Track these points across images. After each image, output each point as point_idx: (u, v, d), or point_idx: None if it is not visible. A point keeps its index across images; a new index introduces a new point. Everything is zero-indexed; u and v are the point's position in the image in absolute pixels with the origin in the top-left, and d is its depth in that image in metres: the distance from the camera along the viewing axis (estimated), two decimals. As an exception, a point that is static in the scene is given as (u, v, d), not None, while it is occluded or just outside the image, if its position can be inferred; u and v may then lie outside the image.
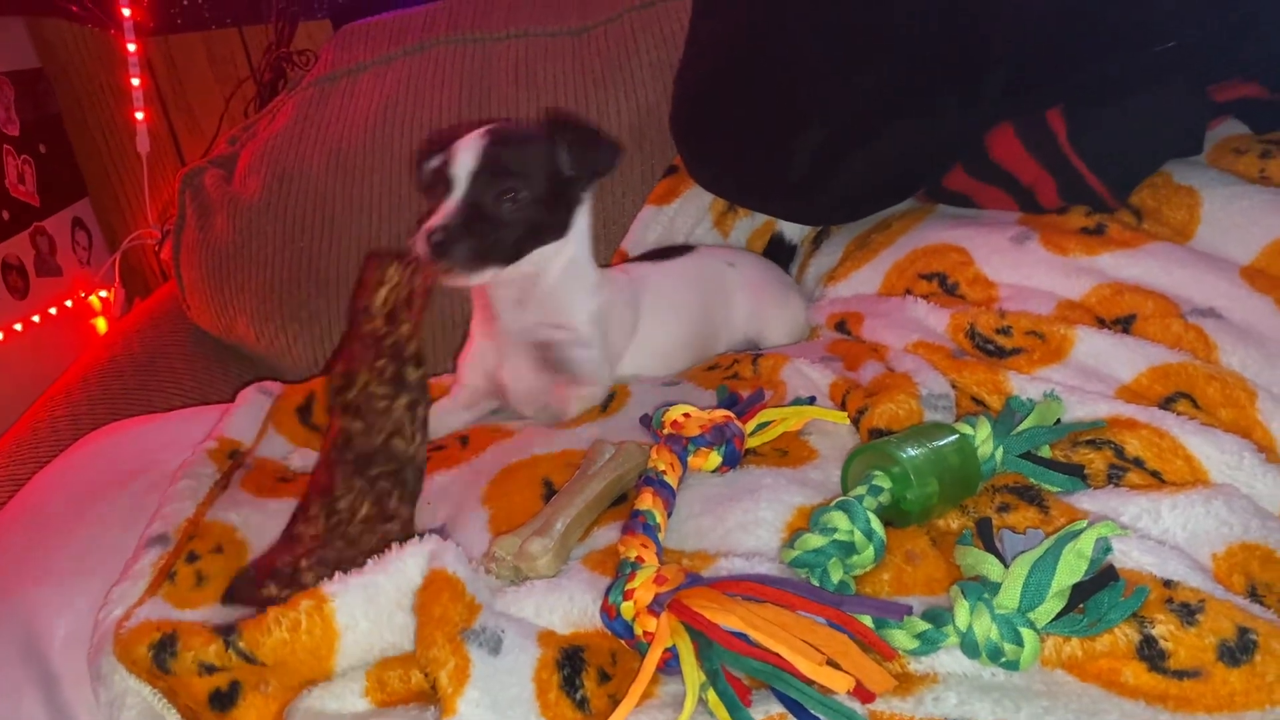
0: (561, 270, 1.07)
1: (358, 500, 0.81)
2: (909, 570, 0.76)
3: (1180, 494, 0.77)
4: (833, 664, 0.62)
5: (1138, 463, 0.84)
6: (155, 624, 0.72)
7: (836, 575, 0.72)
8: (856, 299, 1.25)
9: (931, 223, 1.28)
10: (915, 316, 1.13)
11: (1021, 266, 1.13)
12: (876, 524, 0.75)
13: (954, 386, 0.98)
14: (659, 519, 0.80)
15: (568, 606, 0.73)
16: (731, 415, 0.92)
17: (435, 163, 1.04)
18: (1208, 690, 0.63)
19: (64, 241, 2.03)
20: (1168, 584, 0.69)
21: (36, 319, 1.91)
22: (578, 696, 0.67)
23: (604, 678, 0.69)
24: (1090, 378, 0.96)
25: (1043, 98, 1.19)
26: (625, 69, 1.48)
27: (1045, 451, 0.87)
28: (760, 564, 0.76)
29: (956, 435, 0.82)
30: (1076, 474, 0.84)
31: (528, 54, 1.51)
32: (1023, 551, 0.69)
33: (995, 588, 0.67)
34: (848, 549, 0.74)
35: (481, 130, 1.04)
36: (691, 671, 0.64)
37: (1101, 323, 1.04)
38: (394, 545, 0.73)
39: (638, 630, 0.68)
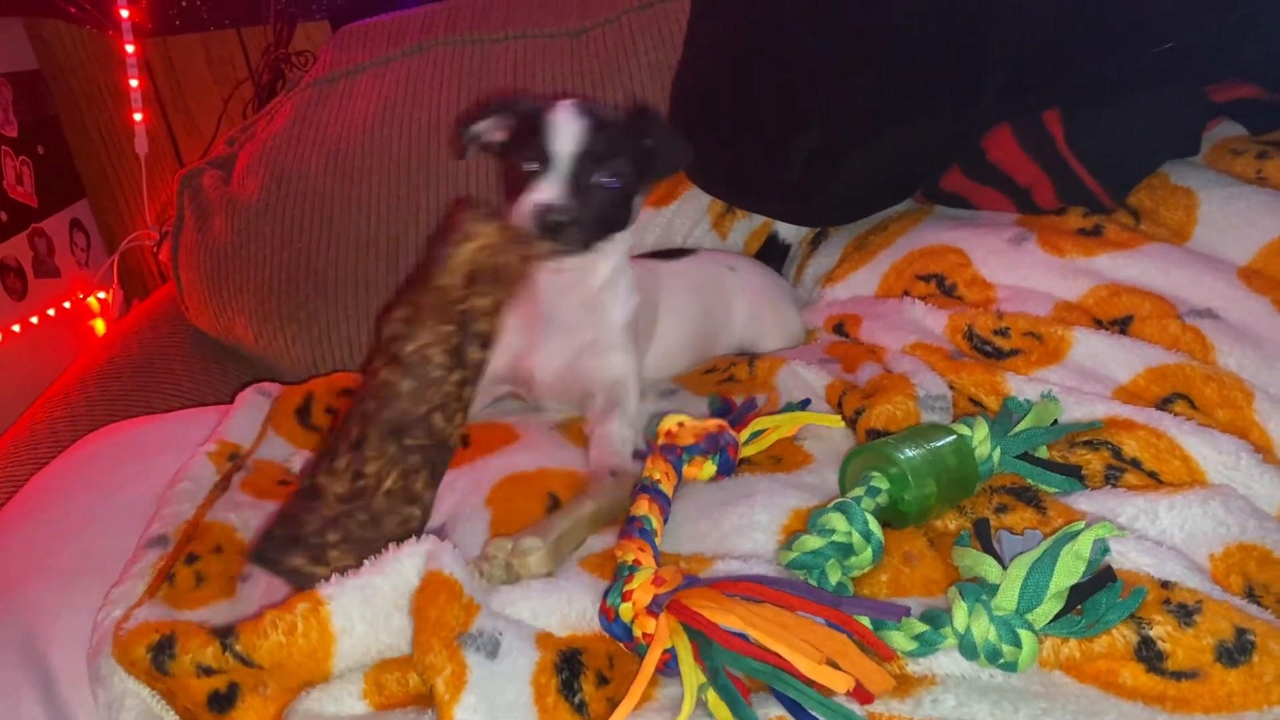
0: (611, 263, 1.06)
1: (386, 468, 0.77)
2: (907, 571, 0.76)
3: (1178, 495, 0.77)
4: (832, 664, 0.62)
5: (1135, 463, 0.85)
6: (154, 625, 0.72)
7: (834, 576, 0.73)
8: (854, 301, 1.25)
9: (929, 224, 1.28)
10: (913, 318, 1.13)
11: (1019, 268, 1.13)
12: (874, 525, 0.75)
13: (951, 388, 0.99)
14: (655, 524, 0.80)
15: (565, 609, 0.73)
16: (725, 424, 0.92)
17: (482, 129, 1.03)
18: (1205, 691, 0.63)
19: (62, 243, 2.02)
20: (1165, 585, 0.69)
21: (35, 320, 1.90)
22: (576, 700, 0.67)
23: (602, 681, 0.69)
24: (1088, 378, 0.96)
25: (1041, 99, 1.19)
26: (624, 70, 1.48)
27: (1043, 452, 0.87)
28: (757, 566, 0.76)
29: (954, 436, 0.82)
30: (1074, 475, 0.84)
31: (526, 55, 1.51)
32: (1020, 553, 0.69)
33: (993, 589, 0.67)
34: (846, 550, 0.74)
35: (573, 107, 1.00)
36: (690, 672, 0.64)
37: (1099, 324, 1.04)
38: (414, 537, 0.72)
39: (636, 632, 0.68)
